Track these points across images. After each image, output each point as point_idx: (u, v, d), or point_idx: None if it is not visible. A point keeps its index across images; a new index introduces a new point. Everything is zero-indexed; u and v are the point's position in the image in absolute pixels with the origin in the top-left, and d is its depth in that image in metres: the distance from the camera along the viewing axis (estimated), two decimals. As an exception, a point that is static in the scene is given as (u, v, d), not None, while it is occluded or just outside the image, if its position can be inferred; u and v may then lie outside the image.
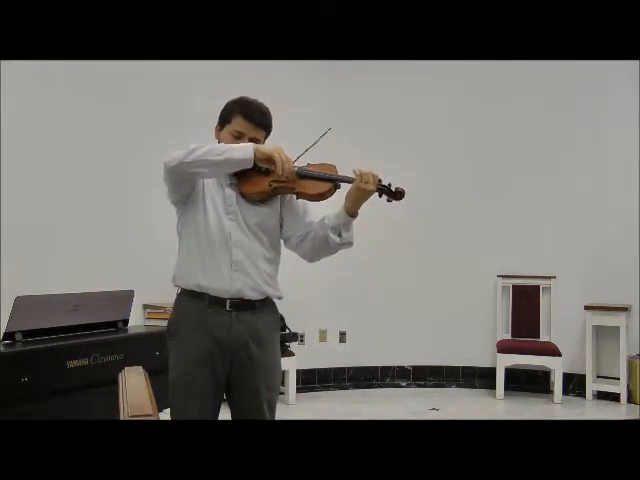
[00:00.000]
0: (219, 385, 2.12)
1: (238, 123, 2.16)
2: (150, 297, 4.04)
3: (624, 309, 5.04)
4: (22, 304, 2.72)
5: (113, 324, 3.18)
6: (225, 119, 2.19)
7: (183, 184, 2.12)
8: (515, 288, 5.52)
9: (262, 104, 2.21)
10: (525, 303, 5.48)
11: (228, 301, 2.09)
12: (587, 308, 5.13)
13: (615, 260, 5.21)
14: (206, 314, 2.10)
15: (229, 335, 2.09)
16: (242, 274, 2.10)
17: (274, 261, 2.21)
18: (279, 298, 2.22)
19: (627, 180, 5.18)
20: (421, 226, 5.57)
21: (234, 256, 2.09)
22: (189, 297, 2.14)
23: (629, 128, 5.19)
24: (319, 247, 2.17)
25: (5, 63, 3.92)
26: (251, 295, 2.12)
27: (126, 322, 3.27)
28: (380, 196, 2.13)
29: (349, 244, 2.16)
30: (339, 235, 2.11)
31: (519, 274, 5.49)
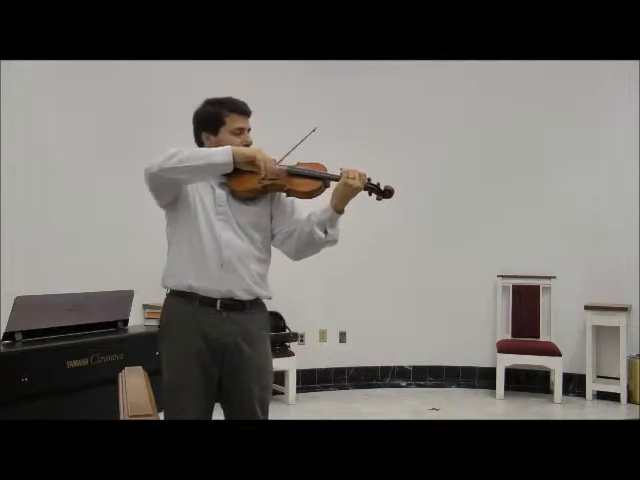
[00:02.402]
0: (211, 384, 2.11)
1: (234, 120, 2.17)
2: (150, 297, 4.03)
3: (624, 309, 5.04)
4: (22, 304, 2.72)
5: (113, 324, 3.19)
6: (215, 123, 2.18)
7: (165, 190, 2.11)
8: (515, 288, 5.52)
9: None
10: (525, 303, 5.48)
11: (219, 301, 2.09)
12: (587, 308, 5.13)
13: (615, 260, 5.21)
14: (196, 314, 2.09)
15: (220, 335, 2.09)
16: (233, 274, 2.09)
17: (265, 261, 2.20)
18: (269, 298, 2.22)
19: (627, 180, 5.18)
20: (421, 226, 5.57)
21: (225, 257, 2.08)
22: (179, 297, 2.13)
23: (629, 128, 5.19)
24: (304, 244, 2.16)
25: (5, 63, 3.92)
26: (241, 295, 2.11)
27: (126, 322, 3.28)
28: (370, 194, 2.16)
29: (334, 242, 2.16)
30: (325, 232, 2.12)
31: (519, 274, 5.49)
